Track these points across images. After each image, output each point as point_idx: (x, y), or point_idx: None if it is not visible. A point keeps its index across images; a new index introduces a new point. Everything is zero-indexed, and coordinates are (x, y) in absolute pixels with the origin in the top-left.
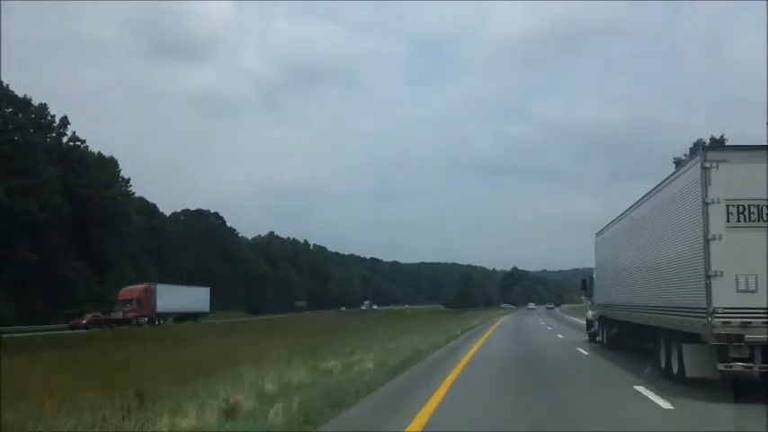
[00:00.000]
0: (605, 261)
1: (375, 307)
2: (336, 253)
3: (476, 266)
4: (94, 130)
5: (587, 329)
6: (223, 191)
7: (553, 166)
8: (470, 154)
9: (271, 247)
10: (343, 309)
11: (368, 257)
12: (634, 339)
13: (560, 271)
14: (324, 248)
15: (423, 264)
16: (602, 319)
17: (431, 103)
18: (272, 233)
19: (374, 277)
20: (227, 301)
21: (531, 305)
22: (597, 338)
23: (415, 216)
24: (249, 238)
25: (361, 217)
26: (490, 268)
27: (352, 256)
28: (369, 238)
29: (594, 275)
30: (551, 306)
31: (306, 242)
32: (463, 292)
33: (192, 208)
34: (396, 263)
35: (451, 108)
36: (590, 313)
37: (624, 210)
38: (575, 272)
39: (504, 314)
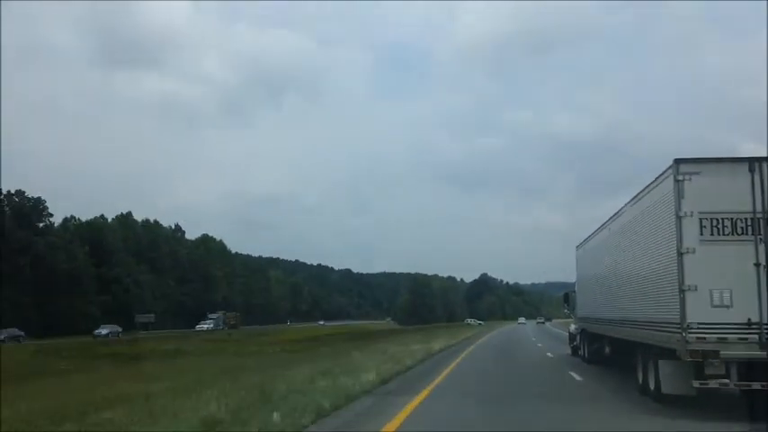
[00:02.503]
0: (585, 274)
1: (207, 326)
2: (262, 257)
3: (442, 277)
4: (52, 138)
5: (570, 343)
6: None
7: (525, 178)
8: (439, 164)
9: (101, 233)
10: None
11: (314, 264)
12: (614, 354)
13: (533, 284)
14: (209, 238)
15: (384, 274)
16: (584, 333)
17: (398, 114)
18: (129, 213)
19: (319, 287)
20: None
21: (522, 320)
22: (579, 352)
23: (379, 226)
24: (83, 220)
25: (321, 226)
26: (458, 279)
27: (296, 262)
28: (326, 247)
29: (576, 289)
30: (542, 320)
31: (178, 227)
32: (417, 303)
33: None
34: (348, 271)
35: (420, 118)
36: (572, 327)
37: (603, 222)
38: (549, 285)
39: (469, 341)
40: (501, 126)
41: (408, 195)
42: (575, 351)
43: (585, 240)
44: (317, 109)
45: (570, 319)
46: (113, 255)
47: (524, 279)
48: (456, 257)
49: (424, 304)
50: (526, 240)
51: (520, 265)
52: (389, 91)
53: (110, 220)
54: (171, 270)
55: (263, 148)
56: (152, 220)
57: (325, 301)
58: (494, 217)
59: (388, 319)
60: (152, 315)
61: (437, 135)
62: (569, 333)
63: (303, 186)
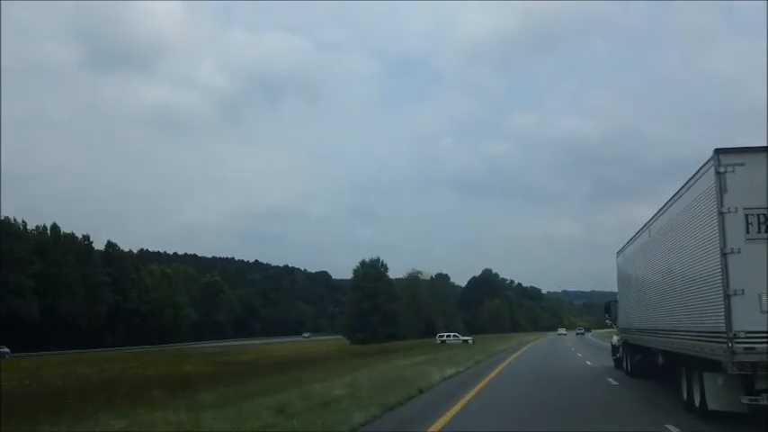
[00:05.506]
0: (626, 282)
1: None
2: (187, 254)
3: (429, 275)
4: (46, 155)
5: (613, 355)
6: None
7: (533, 183)
8: (445, 170)
9: None
10: None
11: (280, 265)
12: (658, 367)
13: (548, 292)
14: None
15: None
16: (626, 345)
17: (401, 118)
18: None
19: (275, 293)
20: None
21: (562, 330)
22: (623, 365)
23: (378, 232)
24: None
25: (314, 231)
26: (454, 281)
27: (256, 262)
28: (299, 249)
29: (618, 298)
30: (581, 331)
31: None
32: (365, 308)
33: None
34: (324, 274)
35: (425, 125)
36: (615, 338)
37: (642, 224)
38: (565, 293)
39: None
40: (508, 130)
41: (410, 201)
42: (618, 364)
43: (626, 245)
44: (315, 113)
45: (613, 329)
46: None
47: (539, 287)
48: (462, 264)
49: (375, 310)
50: (541, 247)
51: (534, 273)
52: (392, 95)
53: None
54: None
55: (259, 154)
56: None
57: (274, 309)
58: (506, 224)
59: (306, 334)
60: None
61: (442, 139)
62: (612, 345)
63: (299, 189)
